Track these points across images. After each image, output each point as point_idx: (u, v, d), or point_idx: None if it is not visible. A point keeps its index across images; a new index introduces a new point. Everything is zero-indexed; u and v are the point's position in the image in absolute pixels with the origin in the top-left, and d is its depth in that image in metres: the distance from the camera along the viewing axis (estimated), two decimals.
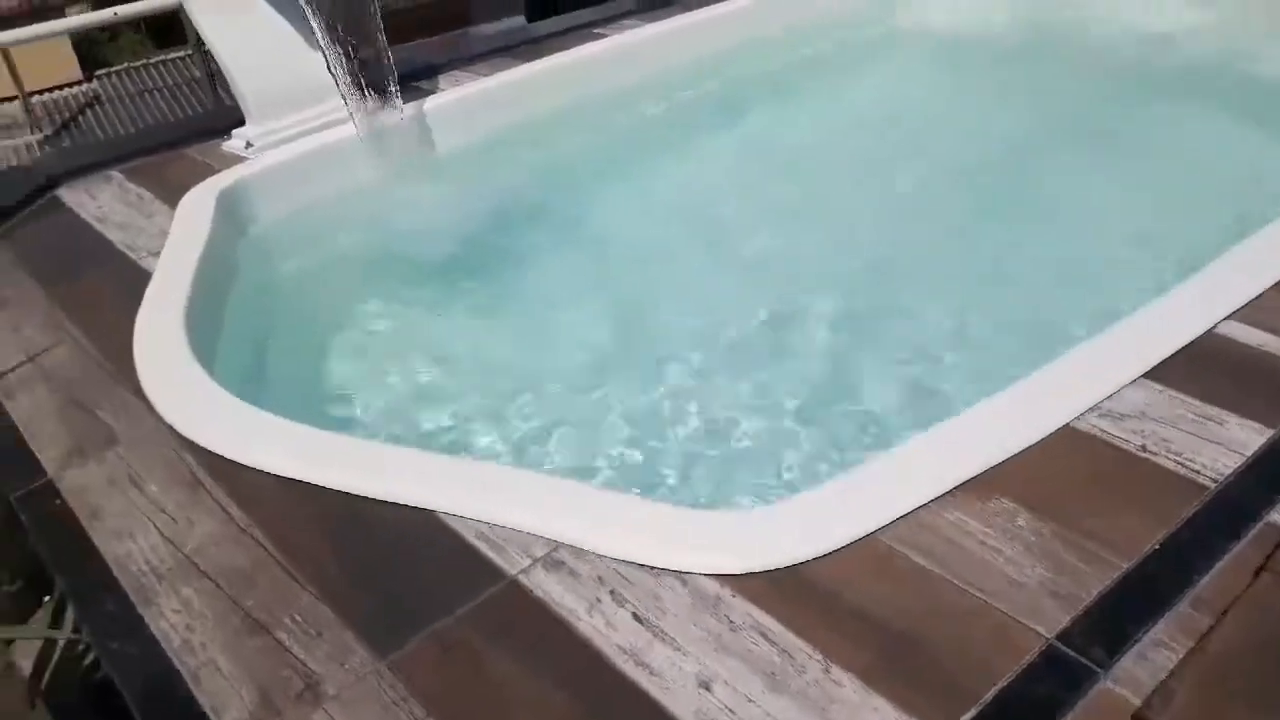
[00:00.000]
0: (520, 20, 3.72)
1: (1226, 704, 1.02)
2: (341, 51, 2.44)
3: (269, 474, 1.42)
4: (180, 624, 1.20)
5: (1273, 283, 1.60)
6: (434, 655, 1.13)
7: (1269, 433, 1.32)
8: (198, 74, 5.33)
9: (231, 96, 2.70)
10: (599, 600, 1.17)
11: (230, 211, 2.28)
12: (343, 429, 1.85)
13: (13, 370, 1.77)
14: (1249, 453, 1.29)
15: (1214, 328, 1.52)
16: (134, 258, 2.12)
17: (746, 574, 1.18)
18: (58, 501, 1.44)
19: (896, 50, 3.56)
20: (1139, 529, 1.20)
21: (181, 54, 5.64)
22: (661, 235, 2.63)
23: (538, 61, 2.99)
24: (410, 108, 2.62)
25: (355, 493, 1.36)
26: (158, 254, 2.10)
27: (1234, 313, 1.55)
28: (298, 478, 1.40)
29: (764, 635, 1.11)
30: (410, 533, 1.30)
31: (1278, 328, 1.52)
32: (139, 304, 1.89)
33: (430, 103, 2.72)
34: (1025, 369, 1.45)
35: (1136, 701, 1.02)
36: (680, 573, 1.19)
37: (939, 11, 3.60)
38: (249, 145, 2.58)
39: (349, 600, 1.21)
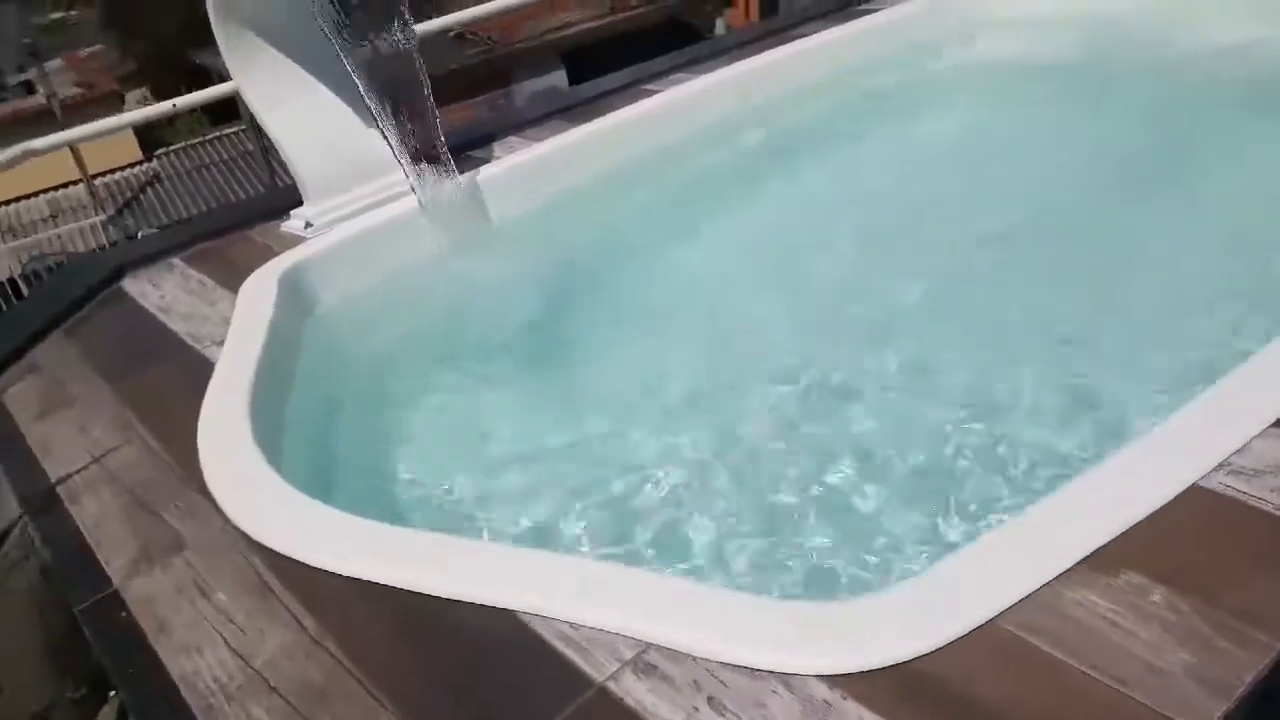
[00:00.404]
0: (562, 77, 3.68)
1: None
2: (395, 124, 2.43)
3: (341, 575, 1.35)
4: None
5: None
6: None
7: None
8: (251, 147, 5.45)
9: (288, 172, 2.71)
10: (696, 710, 1.08)
11: (292, 294, 2.26)
12: (414, 521, 1.80)
13: (79, 472, 1.74)
14: None
15: None
16: (199, 349, 2.10)
17: (858, 673, 1.08)
18: (123, 614, 1.39)
19: (961, 87, 3.46)
20: None
21: (236, 130, 5.79)
22: (730, 287, 2.58)
23: (591, 123, 2.96)
24: (466, 177, 2.59)
25: (430, 593, 1.29)
26: (221, 343, 2.08)
27: None
28: (371, 579, 1.33)
29: None
30: (490, 637, 1.22)
31: None
32: (196, 399, 1.87)
33: (485, 171, 2.70)
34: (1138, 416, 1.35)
35: None
36: (784, 674, 1.10)
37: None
38: (308, 225, 2.57)
39: (426, 715, 1.13)
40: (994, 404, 1.89)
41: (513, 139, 3.03)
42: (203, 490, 1.61)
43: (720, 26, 12.65)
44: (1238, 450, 1.28)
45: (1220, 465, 1.26)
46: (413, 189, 2.51)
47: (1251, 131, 2.69)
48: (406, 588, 1.31)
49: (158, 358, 2.11)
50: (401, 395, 2.24)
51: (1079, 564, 1.16)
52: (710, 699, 1.09)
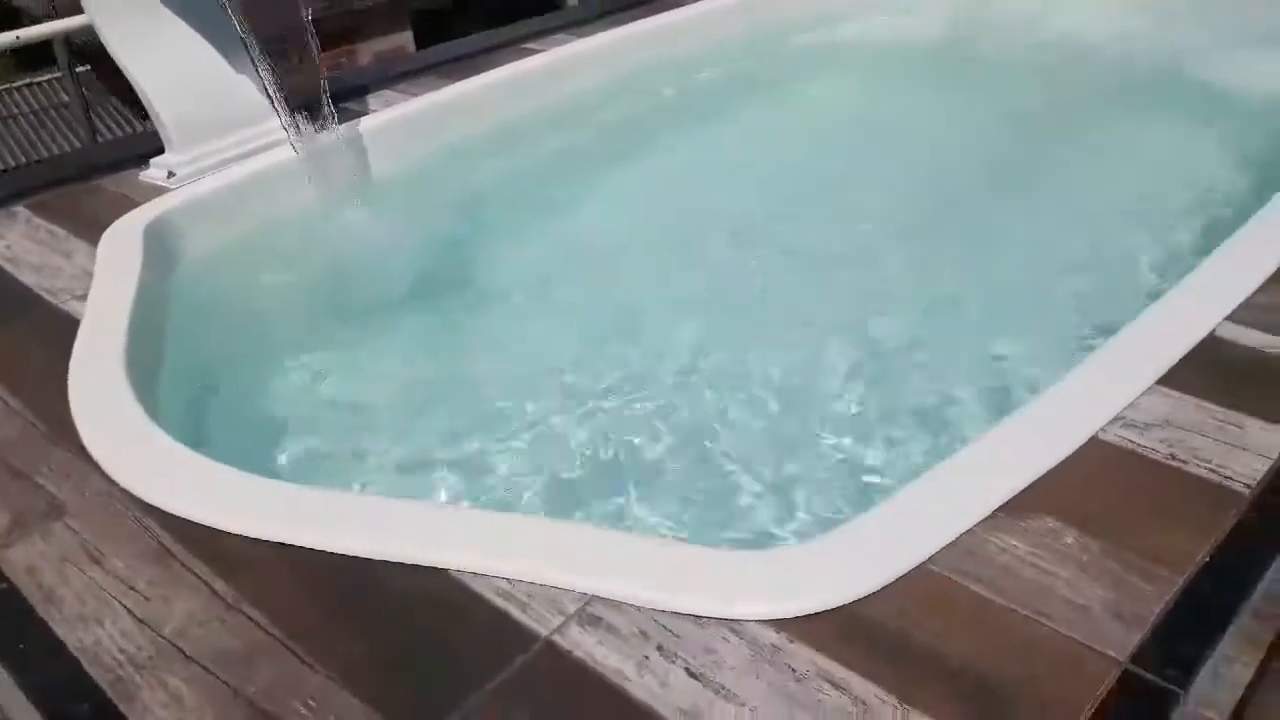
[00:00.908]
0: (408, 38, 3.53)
1: None
2: (274, 68, 2.29)
3: (252, 539, 1.28)
4: (172, 718, 1.07)
5: (1259, 284, 1.61)
6: None
7: None
8: (67, 99, 5.01)
9: (109, 127, 2.52)
10: (647, 658, 1.08)
11: (159, 246, 2.11)
12: (306, 478, 1.72)
13: None
14: (1275, 456, 1.29)
15: (1214, 331, 1.52)
16: (55, 303, 1.93)
17: (802, 617, 1.11)
18: (3, 585, 1.27)
19: (832, 64, 3.55)
20: (1186, 541, 1.17)
21: (49, 78, 5.31)
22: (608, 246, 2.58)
23: (470, 80, 2.88)
24: (344, 128, 2.48)
25: (352, 553, 1.24)
26: (82, 297, 1.93)
27: (1230, 315, 1.55)
28: (286, 541, 1.27)
29: (832, 684, 1.04)
30: (423, 596, 1.19)
31: (1272, 328, 1.53)
32: (68, 354, 1.72)
33: (364, 123, 2.59)
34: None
35: None
36: (730, 620, 1.11)
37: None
38: (171, 175, 2.40)
39: (364, 679, 1.09)
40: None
41: (387, 92, 2.92)
42: (80, 452, 1.49)
43: None
44: (1129, 405, 1.38)
45: (1115, 419, 1.36)
46: (289, 138, 2.38)
47: (1099, 115, 2.88)
48: (324, 548, 1.25)
49: (9, 312, 1.93)
50: (281, 348, 2.13)
51: (997, 511, 1.22)
52: (660, 647, 1.09)
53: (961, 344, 2.02)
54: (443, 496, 1.71)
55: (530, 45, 3.26)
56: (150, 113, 2.47)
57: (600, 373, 2.01)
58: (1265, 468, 1.26)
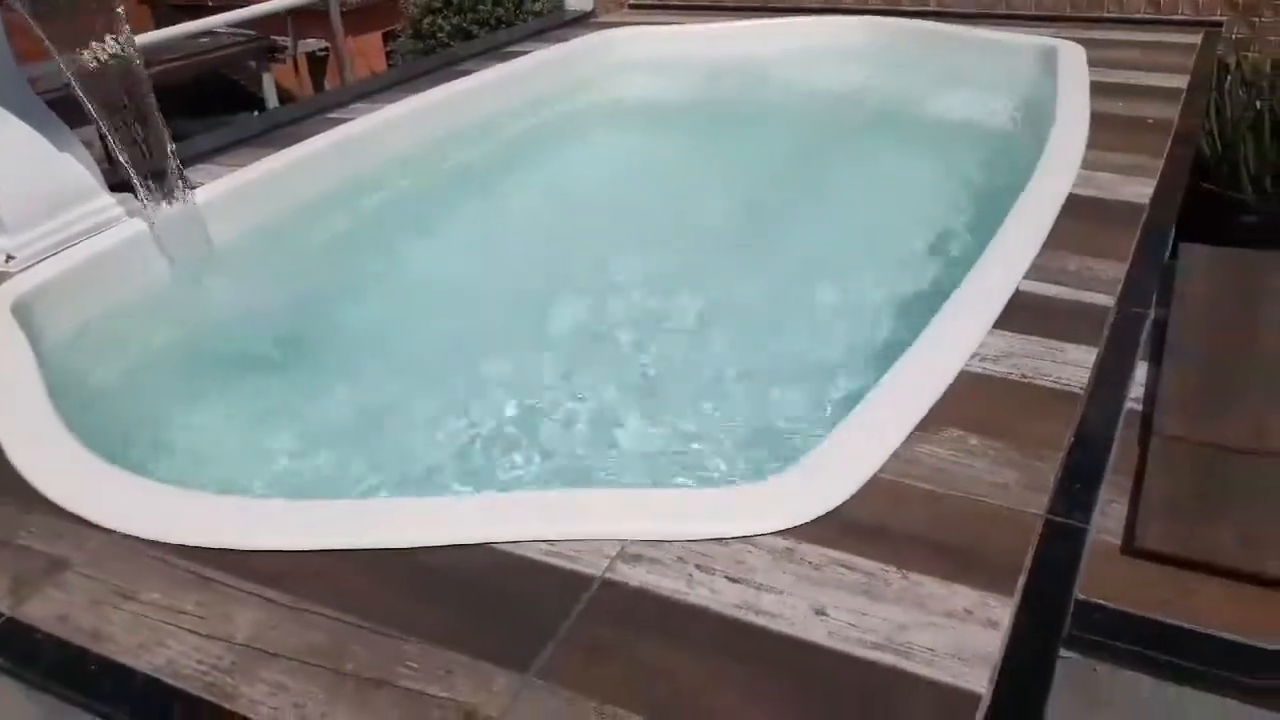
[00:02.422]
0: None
1: (1171, 515, 1.37)
2: (122, 140, 2.30)
3: (284, 552, 1.37)
4: (286, 704, 1.15)
5: (1038, 250, 2.07)
6: (578, 655, 1.19)
7: (1095, 350, 1.74)
8: None
9: None
10: (691, 575, 1.29)
11: (30, 324, 2.05)
12: None
13: None
14: (1090, 365, 1.70)
15: (1018, 289, 1.95)
16: None
17: (801, 525, 1.36)
18: (37, 635, 1.28)
19: (612, 120, 3.91)
20: (1054, 429, 1.54)
21: None
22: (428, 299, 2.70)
23: (302, 144, 2.97)
24: (193, 197, 2.50)
25: (390, 546, 1.36)
26: None
27: (1025, 275, 1.99)
28: (319, 548, 1.36)
29: (843, 566, 1.30)
30: (477, 567, 1.33)
31: (1056, 280, 1.98)
32: None
33: (209, 191, 2.61)
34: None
35: (1116, 541, 1.34)
36: (745, 538, 1.35)
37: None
38: (10, 259, 2.32)
39: (457, 636, 1.22)
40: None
41: (210, 165, 2.94)
42: (57, 512, 1.49)
43: (268, 83, 12.38)
44: (980, 345, 1.76)
45: (973, 356, 1.73)
46: (144, 208, 2.38)
47: (857, 149, 3.39)
48: (357, 547, 1.36)
49: None
50: (162, 408, 2.12)
51: (915, 430, 1.54)
52: (698, 566, 1.30)
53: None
54: None
55: (336, 115, 3.39)
56: None
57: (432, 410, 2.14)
58: (1088, 374, 1.67)
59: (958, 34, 3.90)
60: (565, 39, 4.28)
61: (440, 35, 9.50)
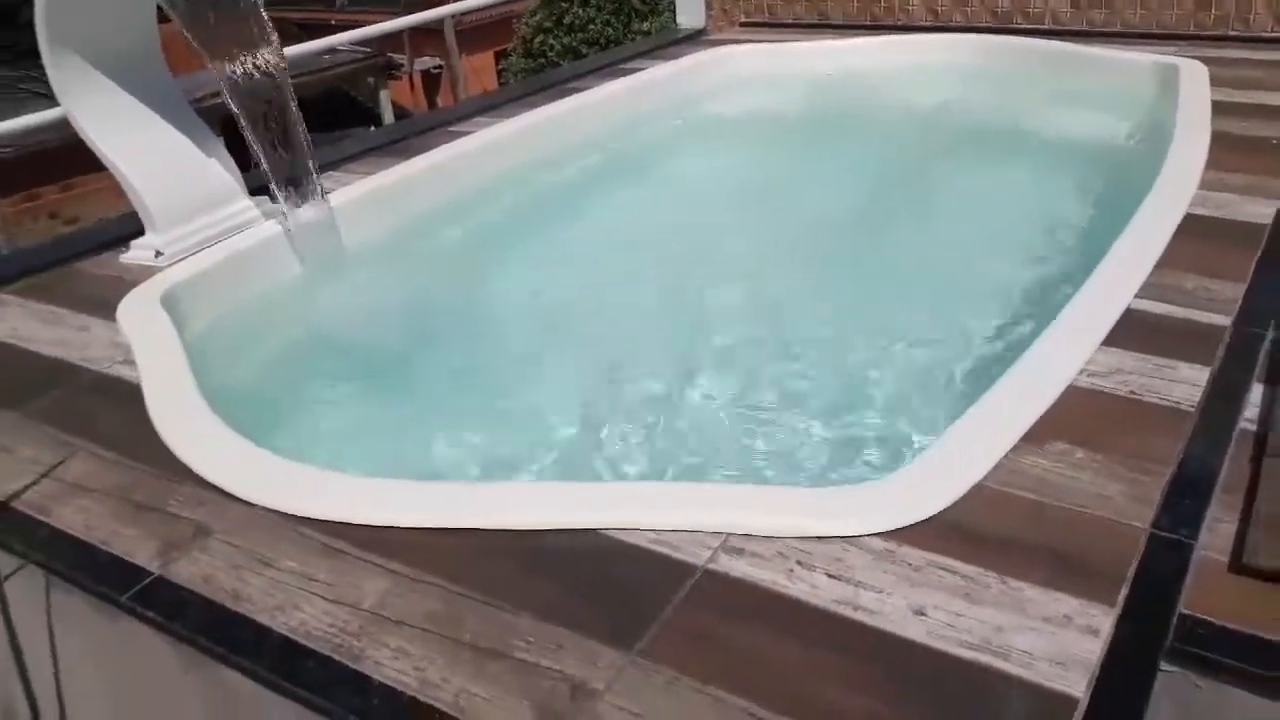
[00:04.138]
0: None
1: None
2: (266, 146, 2.46)
3: (411, 528, 1.46)
4: (408, 667, 1.23)
5: (1151, 269, 2.05)
6: (679, 637, 1.24)
7: (1207, 369, 1.72)
8: None
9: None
10: (792, 570, 1.33)
11: (177, 314, 2.22)
12: None
13: (30, 487, 1.65)
14: (1203, 383, 1.68)
15: (1129, 306, 1.94)
16: (100, 369, 2.02)
17: (901, 529, 1.39)
18: (183, 593, 1.39)
19: (724, 135, 3.98)
20: (1163, 445, 1.53)
21: None
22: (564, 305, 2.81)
23: (429, 154, 3.12)
24: (328, 202, 2.65)
25: (510, 528, 1.44)
26: (126, 363, 2.02)
27: (1137, 293, 1.97)
28: (444, 526, 1.45)
29: (943, 569, 1.32)
30: (586, 551, 1.40)
31: (1170, 299, 1.96)
32: (137, 408, 1.83)
33: (342, 195, 2.77)
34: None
35: (1224, 558, 1.33)
36: (845, 537, 1.38)
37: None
38: (158, 255, 2.51)
39: (568, 614, 1.29)
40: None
41: (337, 173, 3.10)
42: (203, 484, 1.61)
43: (385, 100, 12.84)
44: (1088, 361, 1.75)
45: (1081, 371, 1.73)
46: (281, 211, 2.54)
47: (973, 166, 3.38)
48: (480, 527, 1.44)
49: (51, 382, 2.00)
50: (289, 392, 2.26)
51: (1021, 441, 1.55)
52: (798, 562, 1.35)
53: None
54: None
55: (456, 129, 3.53)
56: (130, 195, 2.57)
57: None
58: (1200, 392, 1.65)
59: (1073, 52, 3.84)
60: (677, 56, 4.36)
61: (550, 54, 9.76)
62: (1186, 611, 1.25)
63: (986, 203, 3.03)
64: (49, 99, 2.59)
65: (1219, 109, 3.09)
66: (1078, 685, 1.14)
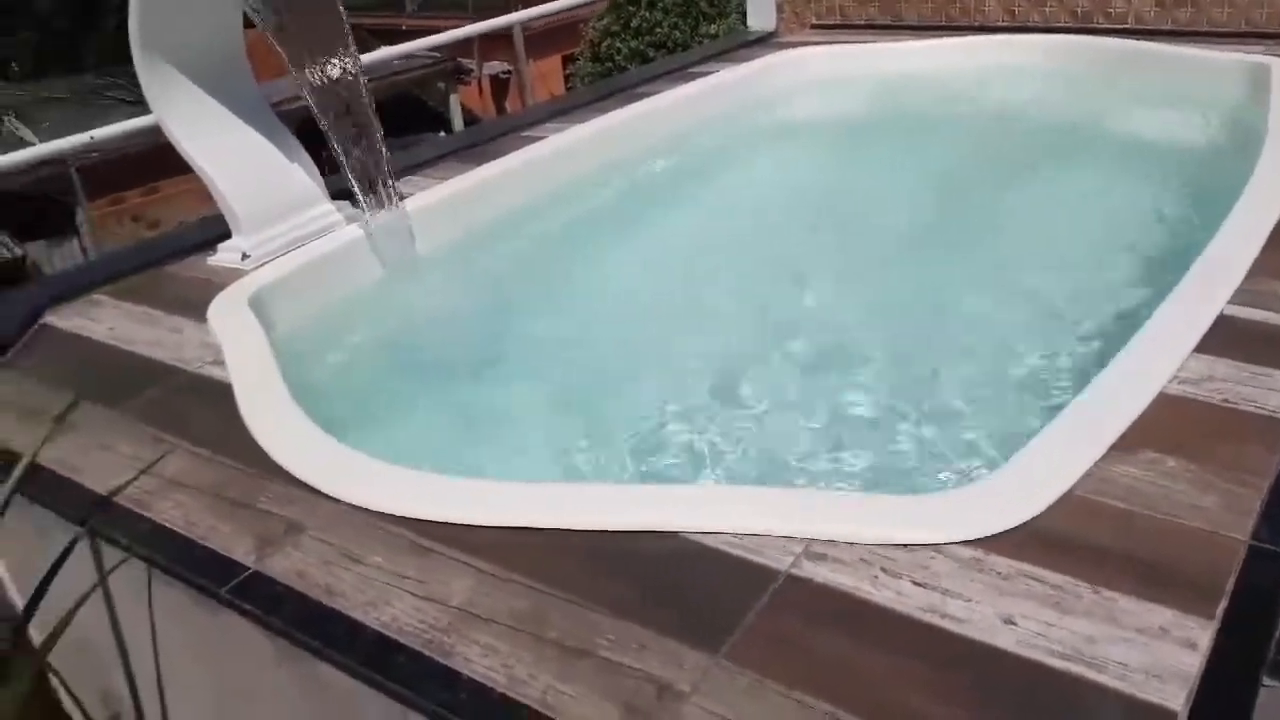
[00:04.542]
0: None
1: None
2: (347, 151, 2.52)
3: (497, 527, 1.48)
4: (496, 664, 1.25)
5: (1244, 274, 2.00)
6: (763, 641, 1.24)
7: None
8: None
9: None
10: (876, 577, 1.33)
11: (265, 316, 2.28)
12: None
13: (131, 483, 1.72)
14: None
15: (1222, 312, 1.89)
16: (192, 369, 2.09)
17: (988, 537, 1.37)
18: (279, 588, 1.43)
19: (798, 138, 3.97)
20: (1260, 455, 1.49)
21: None
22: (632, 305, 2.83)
23: (503, 159, 3.16)
24: (405, 205, 2.70)
25: (593, 528, 1.46)
26: (216, 363, 2.09)
27: (1230, 299, 1.92)
28: (528, 525, 1.47)
29: (1032, 578, 1.30)
30: (668, 554, 1.41)
31: (1264, 305, 1.90)
32: (231, 409, 1.89)
33: (418, 200, 2.82)
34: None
35: None
36: (930, 545, 1.37)
37: None
38: (245, 257, 2.58)
39: (650, 616, 1.30)
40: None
41: (414, 178, 3.16)
42: (293, 482, 1.66)
43: (454, 104, 13.00)
44: (1180, 368, 1.71)
45: (1173, 379, 1.69)
46: (363, 214, 2.60)
47: (1057, 169, 3.32)
48: (564, 527, 1.46)
49: (147, 381, 2.07)
50: (369, 390, 2.31)
51: (1110, 450, 1.52)
52: (883, 569, 1.34)
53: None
54: None
55: (527, 134, 3.57)
56: (218, 199, 2.65)
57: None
58: None
59: (1159, 51, 3.75)
60: (747, 60, 4.35)
61: (618, 58, 9.81)
62: None
63: (1070, 208, 2.97)
64: (132, 105, 2.69)
65: None
66: (1176, 698, 1.12)
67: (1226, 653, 1.17)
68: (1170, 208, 2.82)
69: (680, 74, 4.26)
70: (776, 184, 3.59)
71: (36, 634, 1.66)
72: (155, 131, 2.63)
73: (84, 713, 1.95)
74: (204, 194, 2.67)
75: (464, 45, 12.54)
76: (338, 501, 1.60)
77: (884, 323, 2.46)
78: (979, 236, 2.83)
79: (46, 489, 1.73)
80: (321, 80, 2.52)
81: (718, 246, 3.00)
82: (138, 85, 2.49)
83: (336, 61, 2.54)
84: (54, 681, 1.84)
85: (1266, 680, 1.17)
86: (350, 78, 2.54)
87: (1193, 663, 1.16)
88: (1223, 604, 1.24)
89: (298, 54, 2.51)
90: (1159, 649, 1.18)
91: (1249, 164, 2.56)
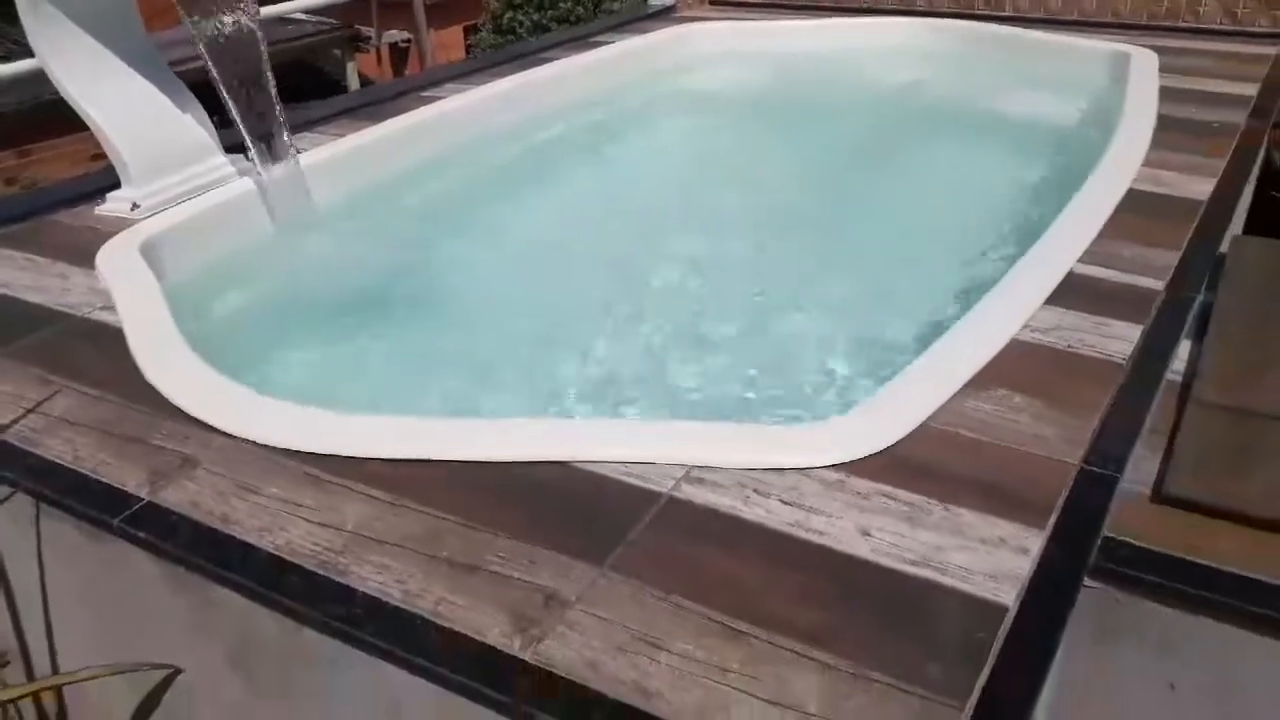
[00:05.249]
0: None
1: (1200, 468, 1.46)
2: (240, 103, 2.50)
3: (390, 460, 1.53)
4: (390, 580, 1.31)
5: (1093, 237, 2.17)
6: (644, 555, 1.33)
7: (1139, 326, 1.84)
8: None
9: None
10: (749, 497, 1.43)
11: (156, 264, 2.26)
12: None
13: (19, 420, 1.71)
14: (1135, 338, 1.80)
15: (1072, 270, 2.05)
16: (81, 315, 2.06)
17: (851, 461, 1.49)
18: (174, 517, 1.46)
19: (683, 109, 4.08)
20: (1094, 393, 1.65)
21: None
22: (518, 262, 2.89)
23: (402, 117, 3.17)
24: (299, 159, 2.69)
25: (485, 460, 1.52)
26: (106, 308, 2.07)
27: (1079, 258, 2.09)
28: (422, 457, 1.53)
29: (889, 497, 1.42)
30: (558, 482, 1.48)
31: (1109, 265, 2.08)
32: (122, 353, 1.88)
33: (312, 156, 2.81)
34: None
35: (1146, 490, 1.45)
36: (800, 469, 1.48)
37: None
38: (135, 207, 2.54)
39: (540, 534, 1.37)
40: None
41: (310, 134, 3.14)
42: (187, 420, 1.67)
43: (351, 73, 12.75)
44: (1031, 318, 1.87)
45: (1024, 326, 1.84)
46: (254, 168, 2.59)
47: (932, 146, 3.50)
48: (458, 458, 1.52)
49: (35, 327, 2.04)
50: (258, 335, 2.32)
51: (965, 386, 1.66)
52: (755, 490, 1.44)
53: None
54: None
55: (427, 94, 3.58)
56: (106, 148, 2.60)
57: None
58: (1132, 346, 1.77)
59: (1031, 38, 3.97)
60: (644, 33, 4.43)
61: (520, 31, 9.77)
62: (1110, 535, 1.37)
63: (942, 178, 3.14)
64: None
65: (1166, 94, 3.23)
66: (1008, 595, 1.25)
67: (1054, 558, 1.31)
68: (1034, 177, 3.02)
69: (579, 44, 4.31)
70: (658, 148, 3.69)
71: None
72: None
73: None
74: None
75: (362, 12, 12.29)
76: (233, 437, 1.62)
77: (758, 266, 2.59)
78: (856, 208, 2.98)
79: None
80: (217, 33, 2.50)
81: (603, 200, 3.08)
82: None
83: (233, 13, 2.52)
84: None
85: (1088, 582, 1.32)
86: (245, 31, 2.53)
87: (1024, 566, 1.29)
88: (1053, 518, 1.38)
89: (192, 4, 2.48)
90: (997, 555, 1.31)
91: (1106, 141, 2.76)
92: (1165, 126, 2.93)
